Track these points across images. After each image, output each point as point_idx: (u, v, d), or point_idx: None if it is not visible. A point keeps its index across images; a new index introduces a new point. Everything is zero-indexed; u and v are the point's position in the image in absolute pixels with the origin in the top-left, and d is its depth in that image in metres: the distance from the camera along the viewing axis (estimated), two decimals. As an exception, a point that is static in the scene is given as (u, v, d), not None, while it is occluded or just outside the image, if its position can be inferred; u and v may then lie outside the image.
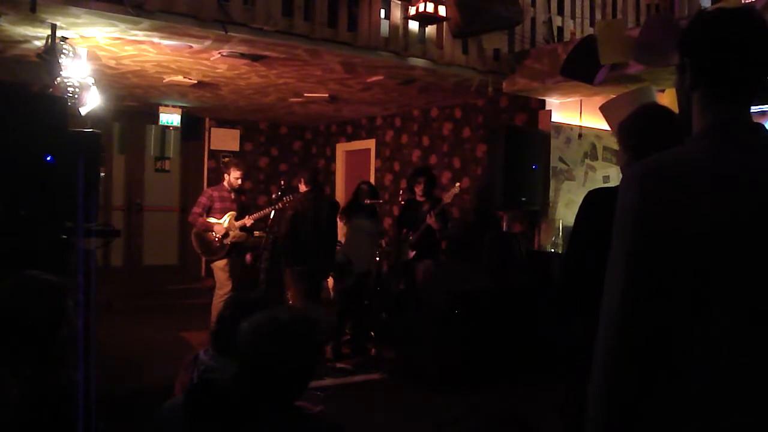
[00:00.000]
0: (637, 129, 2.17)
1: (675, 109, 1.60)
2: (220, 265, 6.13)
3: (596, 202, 2.24)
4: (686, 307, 1.21)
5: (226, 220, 6.13)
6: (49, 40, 4.45)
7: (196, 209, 6.16)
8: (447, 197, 6.00)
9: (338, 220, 6.22)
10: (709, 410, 1.19)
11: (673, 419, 1.22)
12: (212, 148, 9.14)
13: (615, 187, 2.36)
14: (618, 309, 1.24)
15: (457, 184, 6.24)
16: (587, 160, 6.48)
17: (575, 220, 2.31)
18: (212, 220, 6.11)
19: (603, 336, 1.27)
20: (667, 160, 1.28)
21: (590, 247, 2.18)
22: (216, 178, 8.02)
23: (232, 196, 6.26)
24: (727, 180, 1.22)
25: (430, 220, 5.94)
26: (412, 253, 6.13)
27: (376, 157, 8.69)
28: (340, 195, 9.10)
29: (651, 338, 1.22)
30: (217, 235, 6.07)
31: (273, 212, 6.20)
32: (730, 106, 1.30)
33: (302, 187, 5.91)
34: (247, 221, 6.21)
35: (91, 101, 4.93)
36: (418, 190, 6.18)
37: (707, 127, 1.31)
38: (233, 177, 6.22)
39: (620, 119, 2.26)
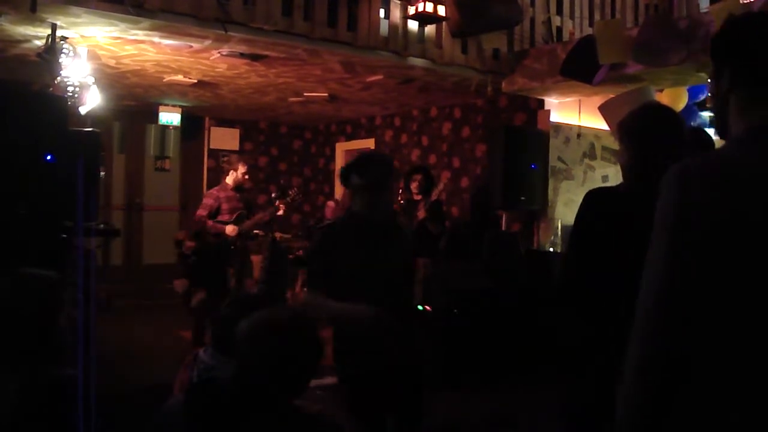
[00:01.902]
0: (636, 128, 2.18)
1: (674, 108, 1.62)
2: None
3: (596, 201, 2.24)
4: (727, 306, 1.22)
5: (235, 220, 5.93)
6: (50, 40, 4.45)
7: (202, 212, 5.86)
8: (433, 195, 5.97)
9: None
10: (748, 402, 1.20)
11: (711, 410, 1.23)
12: (212, 147, 9.13)
13: (614, 186, 2.37)
14: (655, 305, 1.25)
15: (441, 183, 6.22)
16: (586, 160, 6.48)
17: (575, 219, 2.31)
18: (220, 221, 5.89)
19: (640, 333, 1.27)
20: (710, 159, 1.30)
21: (590, 247, 2.19)
22: (216, 178, 8.00)
23: (238, 196, 6.07)
24: None
25: (421, 214, 5.89)
26: None
27: (376, 156, 8.66)
28: (339, 195, 9.08)
29: (686, 337, 1.23)
30: (231, 237, 5.87)
31: (273, 213, 6.17)
32: None
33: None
34: (265, 216, 6.10)
35: (91, 100, 4.94)
36: (414, 187, 6.13)
37: (748, 128, 1.31)
38: (240, 172, 6.04)
39: (619, 119, 2.27)
